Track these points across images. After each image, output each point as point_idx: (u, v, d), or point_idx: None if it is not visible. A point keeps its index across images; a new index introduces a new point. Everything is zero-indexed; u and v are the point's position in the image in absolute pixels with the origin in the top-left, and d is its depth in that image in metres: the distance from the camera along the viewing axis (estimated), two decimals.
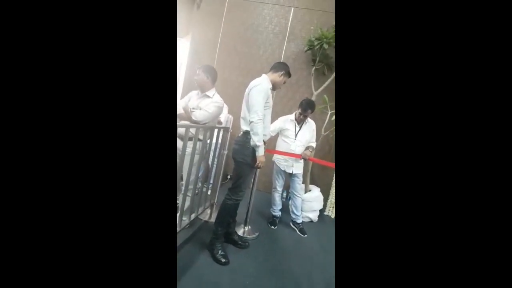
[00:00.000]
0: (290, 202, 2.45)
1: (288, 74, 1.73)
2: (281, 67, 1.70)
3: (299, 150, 2.18)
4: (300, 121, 2.20)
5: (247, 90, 1.62)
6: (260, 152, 1.56)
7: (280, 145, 2.26)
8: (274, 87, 1.69)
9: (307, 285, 1.49)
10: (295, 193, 2.31)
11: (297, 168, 2.23)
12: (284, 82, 1.73)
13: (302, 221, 2.41)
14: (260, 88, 1.56)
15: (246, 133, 1.60)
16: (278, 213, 2.34)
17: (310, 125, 2.26)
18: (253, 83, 1.61)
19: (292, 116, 2.23)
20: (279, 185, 2.32)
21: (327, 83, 2.70)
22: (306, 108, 2.09)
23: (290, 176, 2.29)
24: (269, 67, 1.73)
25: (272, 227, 2.23)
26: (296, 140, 2.19)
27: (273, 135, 2.20)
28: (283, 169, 2.24)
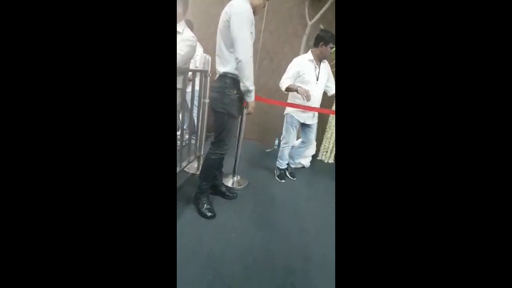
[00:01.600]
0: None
1: None
2: None
3: (320, 94, 1.91)
4: (322, 58, 1.85)
5: (223, 17, 1.22)
6: (252, 97, 1.33)
7: (297, 94, 1.87)
8: (254, 12, 1.29)
9: (296, 234, 1.47)
10: (306, 142, 2.14)
11: (316, 117, 2.02)
12: (264, 6, 1.33)
13: (295, 167, 2.37)
14: (245, 15, 1.17)
15: (224, 77, 1.30)
16: (285, 166, 2.21)
17: (326, 64, 1.93)
18: (232, 7, 1.19)
19: (309, 55, 1.85)
20: (291, 139, 2.07)
21: (323, 10, 2.26)
22: (333, 39, 1.78)
23: (305, 127, 2.04)
24: None
25: (282, 180, 2.12)
26: (318, 83, 1.87)
27: (292, 83, 1.84)
28: (302, 121, 1.97)
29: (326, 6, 2.25)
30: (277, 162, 2.21)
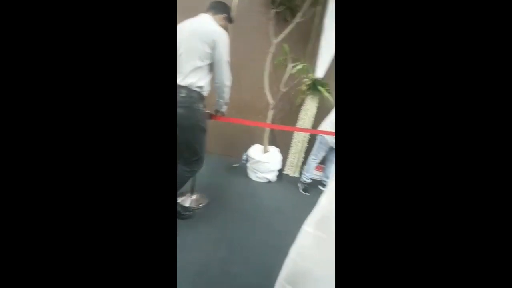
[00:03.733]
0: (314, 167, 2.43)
1: (230, 20, 1.41)
2: (223, 8, 1.37)
3: None
4: None
5: (194, 32, 1.25)
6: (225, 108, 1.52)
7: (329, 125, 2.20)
8: None
9: (258, 252, 1.43)
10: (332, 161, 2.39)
11: None
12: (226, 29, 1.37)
13: (260, 181, 2.39)
14: (227, 39, 1.29)
15: (188, 90, 1.26)
16: (309, 180, 2.40)
17: None
18: (214, 30, 1.26)
19: None
20: (319, 156, 2.34)
21: (287, 30, 2.36)
22: None
23: (332, 150, 2.31)
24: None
25: (307, 193, 2.32)
26: None
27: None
28: (331, 144, 2.24)
29: (290, 27, 2.36)
30: (302, 176, 2.42)
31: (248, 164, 2.53)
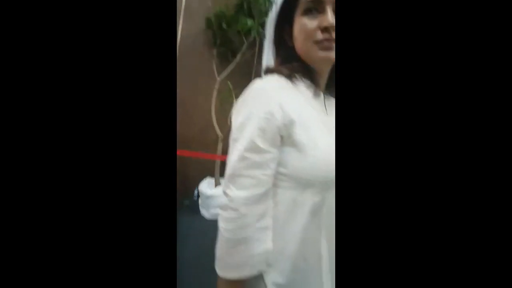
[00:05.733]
0: None
1: None
2: None
3: None
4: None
5: None
6: None
7: None
8: None
9: None
10: None
11: None
12: None
13: (213, 219, 2.28)
14: None
15: None
16: None
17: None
18: None
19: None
20: None
21: (229, 69, 2.53)
22: None
23: None
24: None
25: None
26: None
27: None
28: None
29: (232, 65, 2.53)
30: None
31: (200, 201, 2.43)
